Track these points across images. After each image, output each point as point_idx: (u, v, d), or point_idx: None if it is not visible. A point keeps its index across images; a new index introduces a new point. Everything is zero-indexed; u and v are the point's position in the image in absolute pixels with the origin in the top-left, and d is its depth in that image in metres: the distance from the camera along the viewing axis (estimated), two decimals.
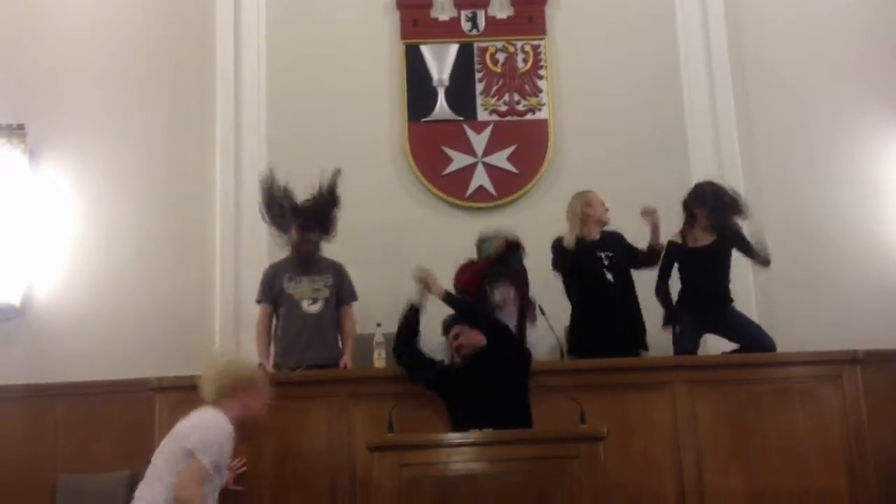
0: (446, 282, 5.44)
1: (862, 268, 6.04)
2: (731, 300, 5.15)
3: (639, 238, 5.21)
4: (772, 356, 4.87)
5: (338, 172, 5.21)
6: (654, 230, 5.15)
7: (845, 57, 6.39)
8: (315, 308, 5.05)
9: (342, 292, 5.15)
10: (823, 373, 4.75)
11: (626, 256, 5.19)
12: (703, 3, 6.43)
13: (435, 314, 4.70)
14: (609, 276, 5.13)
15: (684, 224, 5.20)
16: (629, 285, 5.18)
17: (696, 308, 5.08)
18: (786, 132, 6.31)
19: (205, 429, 3.74)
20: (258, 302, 5.21)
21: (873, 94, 6.31)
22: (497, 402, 4.12)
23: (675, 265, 5.19)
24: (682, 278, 5.18)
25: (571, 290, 5.23)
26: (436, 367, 4.53)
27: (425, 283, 4.62)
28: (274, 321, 5.16)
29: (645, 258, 5.20)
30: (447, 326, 4.49)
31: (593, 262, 5.13)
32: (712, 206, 5.10)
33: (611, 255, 5.15)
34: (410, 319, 4.60)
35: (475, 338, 4.37)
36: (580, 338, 5.16)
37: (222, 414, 3.82)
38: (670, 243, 5.17)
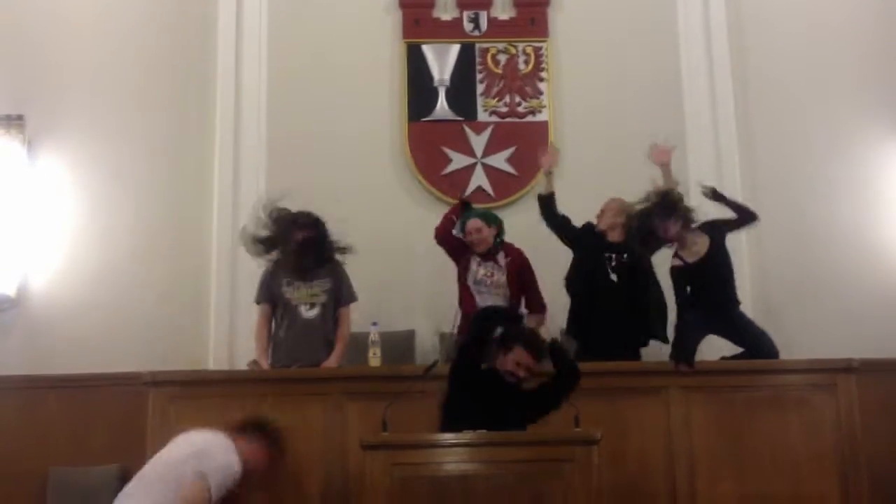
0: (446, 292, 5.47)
1: (860, 276, 6.02)
2: (738, 302, 5.09)
3: None
4: (766, 363, 4.86)
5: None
6: (666, 173, 5.20)
7: (846, 66, 6.38)
8: (312, 313, 5.01)
9: (341, 294, 5.10)
10: (818, 381, 4.77)
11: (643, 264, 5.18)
12: (706, 9, 6.43)
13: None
14: (613, 277, 5.16)
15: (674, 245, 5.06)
16: (637, 289, 5.16)
17: (704, 309, 4.99)
18: (785, 139, 6.30)
19: (220, 457, 3.75)
20: (257, 302, 5.16)
21: (873, 103, 6.30)
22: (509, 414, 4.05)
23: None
24: (691, 290, 5.07)
25: (574, 277, 5.26)
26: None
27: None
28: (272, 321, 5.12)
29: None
30: (511, 339, 4.16)
31: (598, 259, 5.17)
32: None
33: (622, 256, 5.15)
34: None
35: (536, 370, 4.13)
36: (578, 327, 5.22)
37: (234, 447, 3.84)
38: (673, 269, 5.03)
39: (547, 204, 5.31)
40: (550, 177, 5.38)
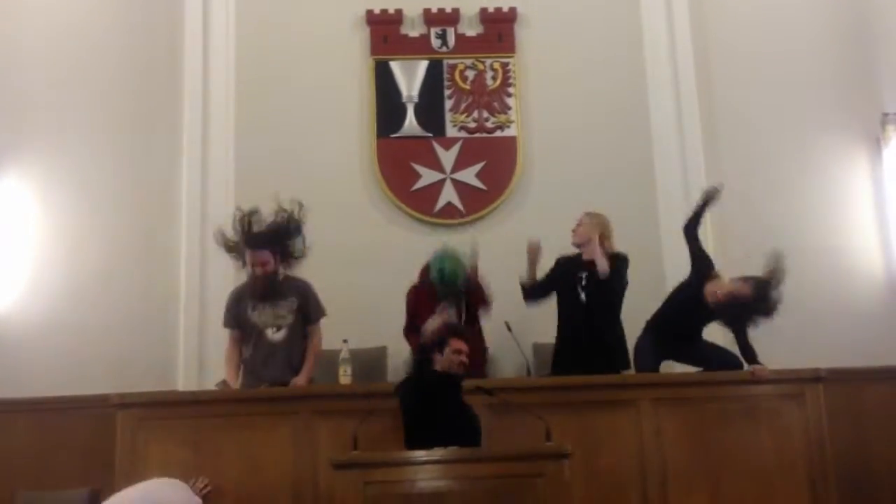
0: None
1: (824, 286, 6.08)
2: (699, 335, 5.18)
3: None
4: (736, 374, 4.90)
5: (300, 205, 5.00)
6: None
7: (809, 81, 6.48)
8: (279, 336, 4.96)
9: (308, 311, 5.04)
10: (787, 391, 4.82)
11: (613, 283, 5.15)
12: (671, 26, 6.48)
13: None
14: (582, 297, 5.13)
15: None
16: (607, 309, 5.14)
17: (663, 335, 5.10)
18: (751, 153, 6.36)
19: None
20: (225, 326, 5.11)
21: (836, 119, 6.40)
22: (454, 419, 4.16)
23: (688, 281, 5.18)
24: (669, 305, 5.17)
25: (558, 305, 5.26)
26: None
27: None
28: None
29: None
30: (440, 339, 4.38)
31: (570, 281, 5.15)
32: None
33: (594, 275, 5.09)
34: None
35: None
36: (557, 355, 5.21)
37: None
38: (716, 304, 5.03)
39: (530, 291, 5.21)
40: (535, 267, 5.18)
